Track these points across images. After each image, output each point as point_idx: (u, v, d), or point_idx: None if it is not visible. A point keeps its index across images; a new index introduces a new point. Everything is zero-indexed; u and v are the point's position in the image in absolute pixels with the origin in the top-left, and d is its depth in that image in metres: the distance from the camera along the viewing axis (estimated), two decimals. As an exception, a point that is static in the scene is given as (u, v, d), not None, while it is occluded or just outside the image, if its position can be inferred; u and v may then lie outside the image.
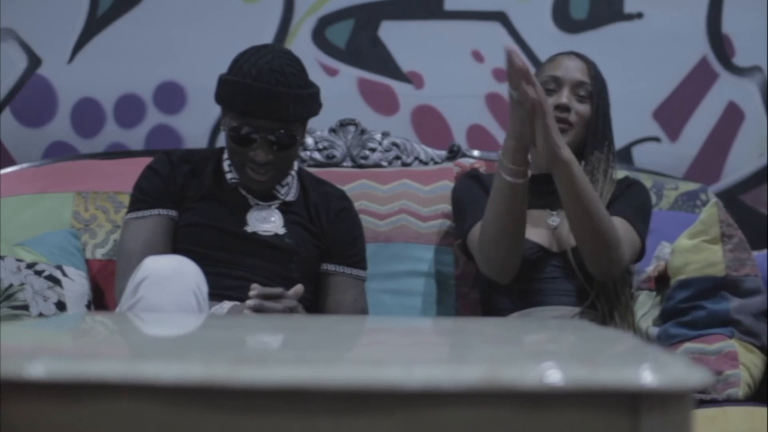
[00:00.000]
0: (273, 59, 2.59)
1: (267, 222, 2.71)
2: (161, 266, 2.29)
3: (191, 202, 2.70)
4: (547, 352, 1.46)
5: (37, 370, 1.08)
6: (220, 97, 2.67)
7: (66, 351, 1.38)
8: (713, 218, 2.73)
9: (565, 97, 2.80)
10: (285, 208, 2.75)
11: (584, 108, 2.81)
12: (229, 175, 2.73)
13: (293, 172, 2.81)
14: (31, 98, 3.49)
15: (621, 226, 2.69)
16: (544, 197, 2.83)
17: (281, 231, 2.71)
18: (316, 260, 2.78)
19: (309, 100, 2.65)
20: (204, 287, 2.34)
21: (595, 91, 2.81)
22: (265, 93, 2.57)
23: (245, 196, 2.72)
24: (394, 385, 1.08)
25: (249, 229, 2.69)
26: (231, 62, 2.68)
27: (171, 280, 2.26)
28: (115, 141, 3.49)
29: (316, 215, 2.79)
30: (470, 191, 2.90)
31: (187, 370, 1.08)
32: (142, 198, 2.69)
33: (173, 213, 2.69)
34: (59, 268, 2.83)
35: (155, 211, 2.67)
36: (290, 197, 2.77)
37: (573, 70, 2.83)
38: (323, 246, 2.78)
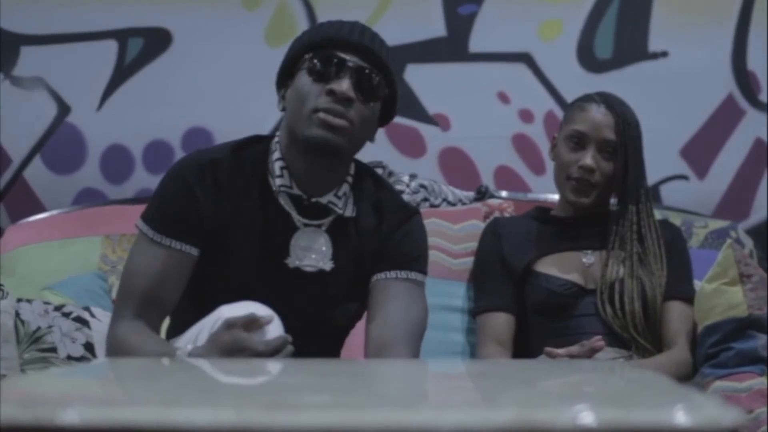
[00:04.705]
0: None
1: (312, 251, 2.31)
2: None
3: (226, 228, 2.30)
4: (580, 394, 1.45)
5: (71, 417, 1.08)
6: (292, 52, 2.35)
7: (99, 398, 1.39)
8: (729, 260, 2.72)
9: (590, 158, 2.79)
10: (337, 230, 2.35)
11: (609, 166, 2.80)
12: (278, 181, 2.31)
13: (349, 179, 2.38)
14: (60, 145, 3.52)
15: (682, 316, 2.78)
16: (575, 240, 2.85)
17: (327, 266, 2.32)
18: (362, 304, 2.41)
19: (395, 66, 2.37)
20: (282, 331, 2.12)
21: (622, 145, 2.78)
22: (358, 25, 2.33)
23: (290, 213, 2.31)
24: (426, 428, 1.08)
25: (291, 263, 2.30)
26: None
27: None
28: (144, 187, 3.50)
29: (374, 240, 2.38)
30: (489, 264, 2.95)
31: (219, 416, 1.08)
32: (162, 218, 2.29)
33: (194, 251, 2.28)
34: (87, 309, 2.84)
35: (176, 245, 2.26)
36: (348, 212, 2.36)
37: (601, 128, 2.80)
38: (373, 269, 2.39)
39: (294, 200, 2.33)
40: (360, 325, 2.44)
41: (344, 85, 2.22)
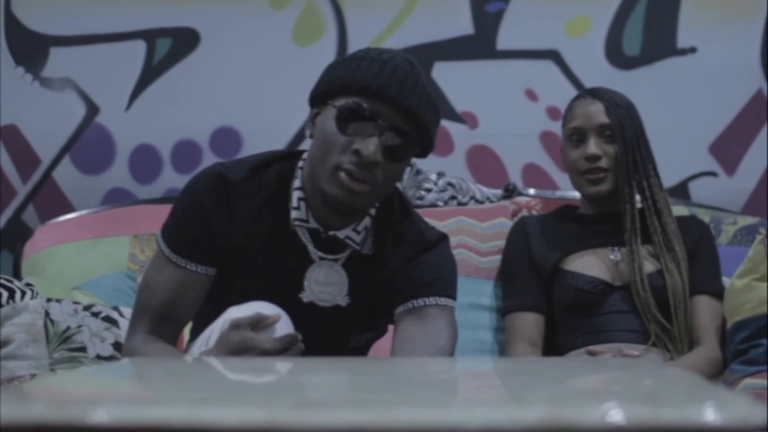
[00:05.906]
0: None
1: (328, 286, 2.22)
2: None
3: (240, 252, 2.23)
4: (609, 392, 1.45)
5: (101, 416, 1.09)
6: (326, 80, 2.18)
7: (129, 397, 1.39)
8: (760, 255, 2.71)
9: (592, 146, 2.80)
10: (354, 264, 2.25)
11: (613, 149, 2.81)
12: (294, 213, 2.20)
13: (372, 211, 2.26)
14: (89, 146, 3.54)
15: (711, 311, 2.78)
16: (604, 236, 2.86)
17: (343, 301, 2.24)
18: (379, 331, 2.37)
19: (437, 117, 2.20)
20: (291, 329, 2.11)
21: (619, 124, 2.79)
22: (400, 71, 2.12)
23: (306, 246, 2.23)
24: (455, 426, 1.08)
25: (305, 297, 2.23)
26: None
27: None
28: (172, 186, 3.51)
29: (388, 273, 2.27)
30: (517, 263, 2.95)
31: (249, 415, 1.08)
32: (177, 238, 2.23)
33: (211, 271, 2.23)
34: (116, 308, 2.86)
35: (192, 266, 2.21)
36: (365, 249, 2.25)
37: (593, 115, 2.83)
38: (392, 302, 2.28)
39: (311, 232, 2.23)
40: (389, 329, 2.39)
41: (371, 147, 2.06)
